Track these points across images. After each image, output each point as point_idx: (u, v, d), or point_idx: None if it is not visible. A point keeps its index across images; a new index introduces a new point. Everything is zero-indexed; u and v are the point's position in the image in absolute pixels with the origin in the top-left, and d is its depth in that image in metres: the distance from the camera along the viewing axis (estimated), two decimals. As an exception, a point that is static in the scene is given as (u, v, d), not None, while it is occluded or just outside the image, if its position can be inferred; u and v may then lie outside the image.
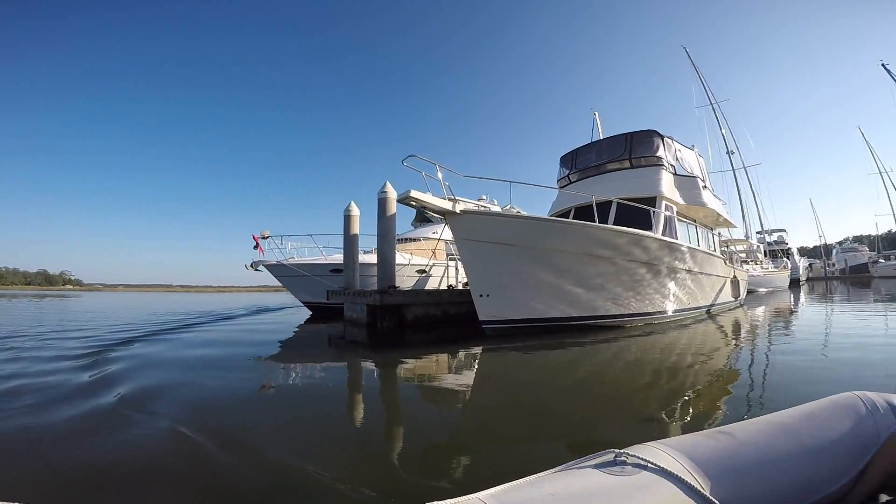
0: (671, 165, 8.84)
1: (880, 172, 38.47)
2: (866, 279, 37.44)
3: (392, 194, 7.91)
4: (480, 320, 5.94)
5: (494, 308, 5.93)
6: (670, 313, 7.51)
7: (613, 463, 0.91)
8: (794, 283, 27.72)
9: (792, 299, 14.83)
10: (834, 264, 47.82)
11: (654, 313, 7.16)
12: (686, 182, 8.88)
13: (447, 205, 5.55)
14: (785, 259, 27.32)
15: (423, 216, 5.71)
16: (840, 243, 56.60)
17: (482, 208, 12.29)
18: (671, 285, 7.38)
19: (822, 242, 52.41)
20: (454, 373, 3.97)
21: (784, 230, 36.06)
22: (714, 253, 9.42)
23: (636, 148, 8.86)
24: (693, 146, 9.94)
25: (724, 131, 28.98)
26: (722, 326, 7.17)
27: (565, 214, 8.88)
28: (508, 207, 15.71)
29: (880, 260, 41.63)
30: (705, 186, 9.37)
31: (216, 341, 6.16)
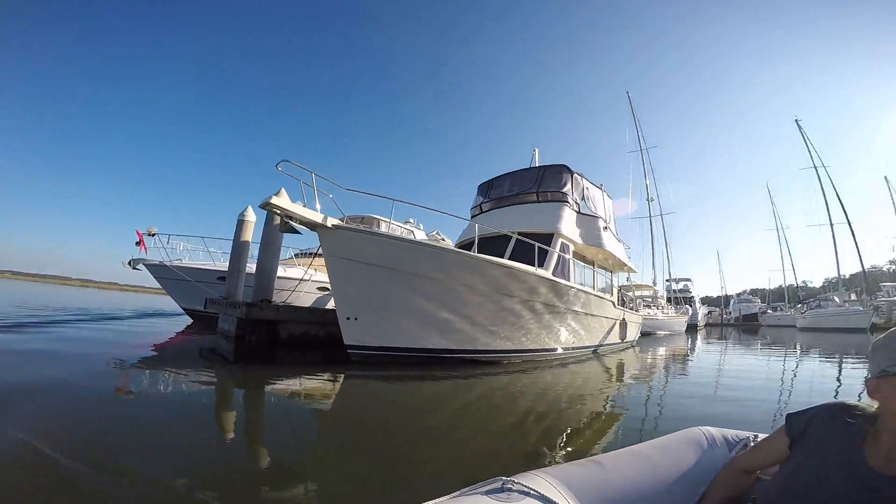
0: (576, 203, 8.98)
1: (777, 229, 43.30)
2: (755, 326, 41.64)
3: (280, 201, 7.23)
4: (346, 345, 5.39)
5: (362, 333, 5.41)
6: (553, 351, 7.37)
7: (501, 490, 0.95)
8: (692, 328, 30.10)
9: (688, 342, 15.90)
10: (731, 312, 53.04)
11: (534, 350, 6.94)
12: (588, 221, 9.01)
13: (317, 217, 5.01)
14: (687, 306, 29.68)
15: (290, 227, 5.14)
16: (738, 294, 63.08)
17: (405, 233, 11.78)
18: (552, 323, 7.17)
19: (724, 293, 58.52)
20: (307, 399, 3.73)
21: (689, 279, 39.61)
22: (602, 295, 9.38)
23: (545, 182, 8.93)
24: (601, 185, 10.26)
25: (647, 179, 31.27)
26: (602, 366, 7.22)
27: (468, 245, 8.66)
28: (434, 234, 15.30)
29: (768, 311, 46.70)
30: (607, 228, 9.51)
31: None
